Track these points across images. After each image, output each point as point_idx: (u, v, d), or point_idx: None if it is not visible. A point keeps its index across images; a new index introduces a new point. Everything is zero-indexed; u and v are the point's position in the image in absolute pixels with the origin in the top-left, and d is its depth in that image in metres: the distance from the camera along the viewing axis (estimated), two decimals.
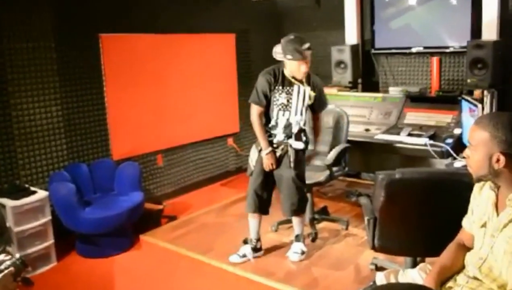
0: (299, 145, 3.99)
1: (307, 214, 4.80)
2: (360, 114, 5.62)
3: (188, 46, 5.93)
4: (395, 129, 5.16)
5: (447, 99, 5.25)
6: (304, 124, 4.05)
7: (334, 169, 4.56)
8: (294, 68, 3.85)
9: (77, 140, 5.01)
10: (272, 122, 3.98)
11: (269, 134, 3.99)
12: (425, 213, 2.92)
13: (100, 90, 5.14)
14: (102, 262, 4.42)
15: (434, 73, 5.78)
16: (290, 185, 4.00)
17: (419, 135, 4.82)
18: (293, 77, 3.91)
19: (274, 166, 3.99)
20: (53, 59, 4.75)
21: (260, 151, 4.04)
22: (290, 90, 3.91)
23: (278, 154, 4.01)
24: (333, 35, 6.69)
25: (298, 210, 4.13)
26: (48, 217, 4.32)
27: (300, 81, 3.93)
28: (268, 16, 7.11)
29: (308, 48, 3.80)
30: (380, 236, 3.09)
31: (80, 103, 4.99)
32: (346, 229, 4.85)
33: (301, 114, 3.96)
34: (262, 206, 4.14)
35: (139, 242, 4.78)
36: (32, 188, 4.41)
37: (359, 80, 6.34)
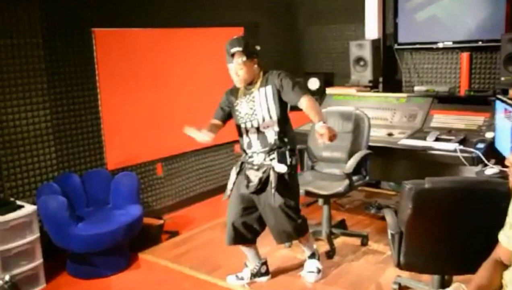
0: (282, 168, 3.77)
1: (324, 228, 4.82)
2: (381, 116, 5.60)
3: (191, 42, 5.94)
4: (420, 133, 5.14)
5: (479, 100, 5.23)
6: (283, 134, 3.81)
7: (354, 178, 4.54)
8: (230, 73, 3.81)
9: (68, 148, 5.01)
10: (245, 139, 3.89)
11: (249, 156, 3.89)
12: (456, 227, 2.91)
13: (94, 91, 5.15)
14: (96, 284, 4.41)
15: (464, 71, 5.77)
16: (277, 214, 3.82)
17: (447, 140, 4.79)
18: (251, 83, 3.82)
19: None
20: (41, 57, 4.76)
21: (238, 172, 3.93)
22: (250, 98, 3.82)
23: (258, 177, 3.82)
24: (351, 29, 6.70)
25: (296, 236, 4.03)
26: (36, 234, 4.31)
27: (257, 85, 3.81)
28: (280, 8, 7.14)
29: (238, 53, 3.67)
30: (406, 252, 3.07)
31: (71, 106, 5.00)
32: (366, 244, 4.84)
33: (270, 116, 3.77)
34: (245, 236, 4.02)
35: (138, 261, 4.78)
36: (18, 202, 4.40)
37: (381, 79, 6.34)
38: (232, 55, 3.69)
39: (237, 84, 3.83)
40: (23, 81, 4.66)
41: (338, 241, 4.90)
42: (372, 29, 6.38)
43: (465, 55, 5.75)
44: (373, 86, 6.17)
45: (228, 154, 6.61)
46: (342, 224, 5.17)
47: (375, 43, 6.16)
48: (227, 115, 4.00)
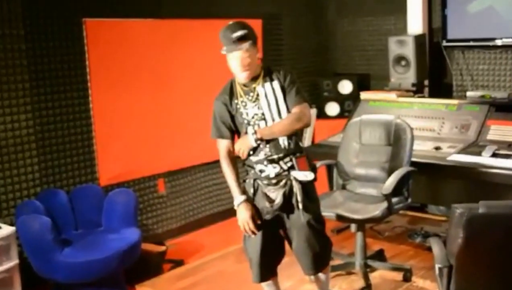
0: (307, 175, 3.74)
1: (357, 260, 4.79)
2: (427, 127, 5.57)
3: (200, 36, 5.94)
4: (474, 147, 5.10)
5: None
6: (296, 136, 3.79)
7: (394, 200, 4.51)
8: (231, 64, 3.71)
9: (54, 159, 5.04)
10: (254, 158, 3.80)
11: (260, 169, 3.81)
12: None
13: (84, 92, 5.18)
14: None
15: None
16: (307, 233, 3.76)
17: (507, 156, 4.75)
18: (252, 78, 3.76)
19: (251, 225, 3.73)
20: (22, 51, 4.79)
21: (254, 193, 3.88)
22: (254, 96, 3.75)
23: (280, 193, 3.77)
24: (391, 22, 6.70)
25: (326, 264, 3.97)
26: (14, 261, 4.32)
27: (259, 79, 3.76)
28: None
29: (244, 37, 3.58)
30: (457, 289, 3.04)
31: (57, 110, 5.03)
32: (409, 280, 4.79)
33: (280, 116, 3.72)
34: (273, 269, 4.00)
35: None
36: None
37: (426, 82, 6.32)
38: (237, 40, 3.57)
39: (243, 79, 3.70)
40: (1, 79, 4.69)
41: (375, 276, 4.86)
42: (415, 22, 6.37)
43: None
44: (417, 90, 6.14)
45: (243, 169, 6.58)
46: (380, 255, 5.13)
47: (419, 39, 6.14)
48: (233, 127, 3.84)
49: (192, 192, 6.16)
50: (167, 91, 5.76)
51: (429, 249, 4.51)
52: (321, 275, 4.04)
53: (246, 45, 3.58)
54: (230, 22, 3.67)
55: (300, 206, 3.71)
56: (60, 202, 4.86)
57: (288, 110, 3.71)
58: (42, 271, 4.42)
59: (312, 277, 4.67)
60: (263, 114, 3.71)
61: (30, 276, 4.47)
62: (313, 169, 3.81)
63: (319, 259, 3.86)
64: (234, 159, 3.87)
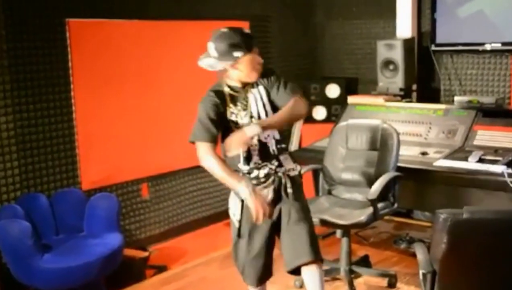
0: (294, 168, 3.81)
1: (342, 265, 4.81)
2: (414, 132, 5.60)
3: (187, 38, 5.95)
4: (461, 153, 5.13)
5: None
6: (283, 141, 3.84)
7: (380, 205, 4.54)
8: (248, 66, 3.69)
9: (34, 163, 5.03)
10: (242, 153, 3.72)
11: (248, 172, 3.75)
12: (501, 267, 2.89)
13: (67, 94, 5.18)
14: None
15: None
16: (300, 216, 3.74)
17: (493, 162, 4.78)
18: (243, 84, 3.77)
19: (269, 212, 3.62)
20: (3, 51, 4.78)
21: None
22: (244, 102, 3.76)
23: (271, 189, 3.74)
24: (379, 26, 6.72)
25: (319, 253, 3.82)
26: None
27: (249, 85, 3.78)
28: None
29: (254, 40, 3.77)
30: None
31: (38, 112, 5.02)
32: (394, 286, 4.82)
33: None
34: (267, 273, 3.93)
35: None
36: None
37: (414, 87, 6.34)
38: (251, 43, 3.69)
39: (255, 78, 3.74)
40: None
41: (360, 282, 4.88)
42: (404, 26, 6.39)
43: None
44: (404, 95, 6.17)
45: None
46: (365, 261, 5.16)
47: (408, 43, 6.17)
48: (220, 126, 3.75)
49: (176, 197, 6.15)
50: (152, 94, 5.76)
51: (414, 255, 4.51)
52: (317, 269, 3.81)
53: (256, 49, 3.72)
54: (222, 29, 3.74)
55: (290, 191, 3.71)
56: (40, 206, 4.85)
57: (274, 110, 3.73)
58: (21, 277, 4.42)
59: (298, 282, 4.70)
60: (252, 120, 3.69)
61: (10, 283, 4.46)
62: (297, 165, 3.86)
63: (315, 242, 3.76)
64: (220, 158, 3.73)
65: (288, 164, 3.79)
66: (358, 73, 7.05)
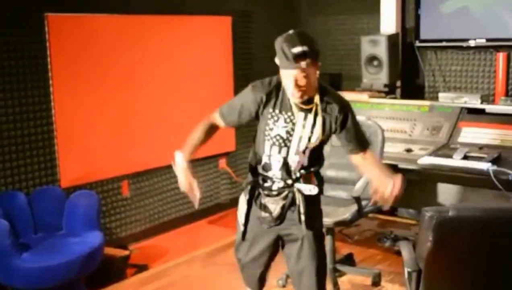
0: (311, 189, 3.48)
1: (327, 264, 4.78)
2: (399, 128, 5.62)
3: (168, 33, 5.96)
4: (446, 149, 5.15)
5: None
6: (310, 167, 3.52)
7: (364, 203, 4.53)
8: (283, 80, 3.33)
9: (12, 160, 4.99)
10: (265, 159, 3.50)
11: (262, 178, 3.55)
12: (486, 266, 2.90)
13: (46, 90, 5.14)
14: None
15: (500, 75, 5.77)
16: (311, 248, 3.54)
17: (478, 159, 4.80)
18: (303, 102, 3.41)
19: (189, 187, 3.48)
20: None
21: (249, 200, 3.57)
22: (291, 118, 3.41)
23: (279, 205, 3.51)
24: (363, 21, 6.72)
25: (322, 284, 3.67)
26: None
27: (308, 106, 3.40)
28: None
29: (304, 54, 3.14)
30: None
31: (16, 108, 4.99)
32: (378, 284, 4.83)
33: (304, 154, 3.46)
34: (265, 277, 3.84)
35: None
36: None
37: (398, 83, 6.35)
38: (295, 57, 3.15)
39: (295, 100, 3.30)
40: None
41: (344, 280, 4.89)
42: (388, 22, 6.40)
43: (501, 56, 5.75)
44: (389, 91, 6.17)
45: (211, 170, 6.60)
46: (349, 259, 5.17)
47: (392, 39, 6.17)
48: (243, 122, 3.52)
49: (157, 194, 6.13)
50: (133, 90, 5.73)
51: (399, 253, 4.54)
52: None
53: (304, 63, 3.15)
54: (292, 31, 3.29)
55: (303, 218, 3.44)
56: (18, 204, 4.81)
57: (321, 145, 3.47)
58: None
59: (281, 281, 4.69)
60: (287, 139, 3.39)
61: None
62: (320, 183, 3.57)
63: (322, 278, 3.60)
64: (211, 134, 3.60)
65: (308, 181, 3.48)
66: (342, 69, 7.04)
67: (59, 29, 5.12)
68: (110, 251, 5.13)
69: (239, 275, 4.16)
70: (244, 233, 3.63)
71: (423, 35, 6.22)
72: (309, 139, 3.39)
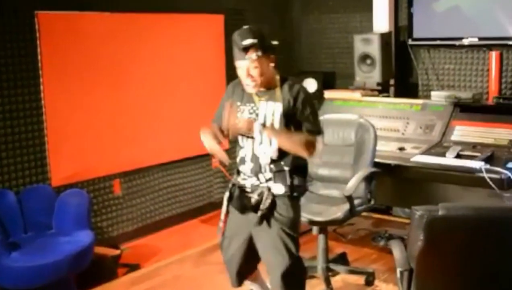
0: (279, 188, 3.64)
1: (319, 263, 4.80)
2: (392, 127, 5.62)
3: (159, 31, 5.94)
4: (439, 148, 5.15)
5: (511, 108, 5.25)
6: (281, 161, 3.66)
7: (356, 202, 4.53)
8: (238, 72, 3.62)
9: (2, 158, 4.97)
10: (241, 154, 3.76)
11: (242, 178, 3.77)
12: (478, 265, 2.90)
13: (36, 88, 5.12)
14: None
15: (493, 73, 5.78)
16: (275, 244, 3.66)
17: (471, 157, 4.80)
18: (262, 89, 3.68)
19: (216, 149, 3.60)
20: None
21: (229, 198, 3.77)
22: (254, 108, 3.67)
23: (253, 199, 3.67)
24: (356, 20, 6.72)
25: (294, 286, 3.76)
26: None
27: (268, 95, 3.66)
28: None
29: (253, 46, 3.47)
30: None
31: (6, 106, 4.96)
32: (372, 284, 4.82)
33: (270, 143, 3.63)
34: (250, 271, 3.96)
35: None
36: None
37: (391, 82, 6.36)
38: (244, 49, 3.47)
39: (249, 89, 3.62)
40: None
41: (337, 280, 4.88)
42: (381, 20, 6.40)
43: (494, 55, 5.76)
44: (382, 89, 6.17)
45: (204, 169, 6.59)
46: (342, 259, 5.15)
47: (385, 37, 6.17)
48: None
49: (149, 193, 6.11)
50: (125, 88, 5.71)
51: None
52: None
53: (254, 55, 3.48)
54: (244, 26, 3.58)
55: (259, 213, 3.60)
56: (8, 203, 4.78)
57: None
58: None
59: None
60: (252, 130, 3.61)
61: None
62: (292, 186, 3.66)
63: (289, 276, 3.65)
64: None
65: (281, 181, 3.64)
66: (336, 68, 7.05)
67: (49, 27, 5.11)
68: (101, 250, 5.11)
69: None
70: (224, 229, 3.80)
71: (416, 34, 6.23)
72: (272, 127, 3.59)
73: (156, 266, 5.36)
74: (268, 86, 3.61)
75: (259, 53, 3.48)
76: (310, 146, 3.53)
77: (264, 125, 3.52)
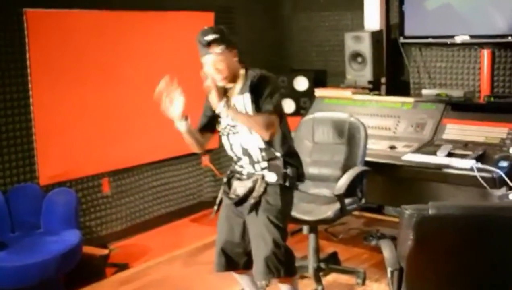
0: (272, 177, 3.78)
1: (310, 263, 4.79)
2: (383, 125, 5.62)
3: (148, 29, 5.93)
4: (430, 147, 5.15)
5: (502, 107, 5.25)
6: (272, 149, 3.81)
7: (347, 201, 4.52)
8: (206, 69, 3.85)
9: None
10: (231, 153, 3.91)
11: (240, 165, 3.91)
12: (468, 265, 2.88)
13: (24, 86, 5.10)
14: None
15: (485, 72, 5.79)
16: (261, 233, 3.76)
17: (462, 156, 4.80)
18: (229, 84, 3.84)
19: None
20: None
21: (226, 182, 3.99)
22: (232, 106, 3.78)
23: (245, 187, 3.83)
24: (347, 18, 6.72)
25: (277, 272, 3.81)
26: None
27: (237, 87, 3.83)
28: None
29: (215, 40, 3.71)
30: None
31: None
32: (363, 283, 4.81)
33: (250, 132, 3.77)
34: (237, 262, 3.99)
35: None
36: None
37: (383, 80, 6.37)
38: (208, 44, 3.71)
39: (218, 83, 3.75)
40: None
41: (328, 279, 4.87)
42: (372, 18, 6.40)
43: (486, 53, 5.76)
44: (373, 88, 6.19)
45: (194, 167, 6.58)
46: (333, 258, 5.14)
47: (376, 35, 6.17)
48: (213, 122, 3.93)
49: (139, 192, 6.10)
50: (113, 86, 5.70)
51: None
52: (281, 286, 3.97)
53: (217, 49, 3.70)
54: (205, 26, 3.83)
55: (252, 201, 3.74)
56: None
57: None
58: None
59: (264, 282, 4.64)
60: (235, 126, 3.78)
61: None
62: (284, 175, 3.79)
63: (272, 264, 3.75)
64: (203, 137, 3.96)
65: (275, 169, 3.79)
66: (327, 66, 7.05)
67: (37, 24, 5.09)
68: (89, 250, 5.10)
69: (221, 274, 4.18)
70: (217, 211, 4.04)
71: (407, 32, 6.23)
72: (233, 107, 3.75)
73: (145, 266, 5.35)
74: (235, 80, 3.81)
75: (222, 47, 3.70)
76: (269, 126, 3.63)
77: (228, 105, 3.63)
